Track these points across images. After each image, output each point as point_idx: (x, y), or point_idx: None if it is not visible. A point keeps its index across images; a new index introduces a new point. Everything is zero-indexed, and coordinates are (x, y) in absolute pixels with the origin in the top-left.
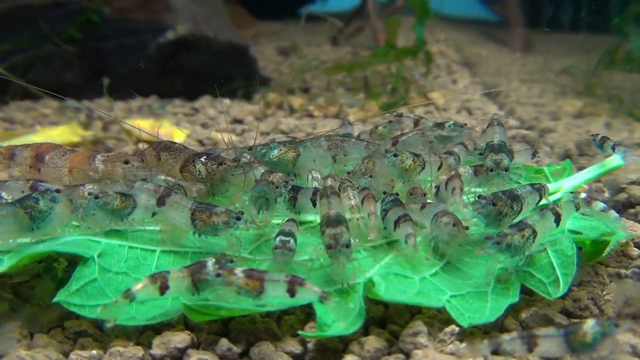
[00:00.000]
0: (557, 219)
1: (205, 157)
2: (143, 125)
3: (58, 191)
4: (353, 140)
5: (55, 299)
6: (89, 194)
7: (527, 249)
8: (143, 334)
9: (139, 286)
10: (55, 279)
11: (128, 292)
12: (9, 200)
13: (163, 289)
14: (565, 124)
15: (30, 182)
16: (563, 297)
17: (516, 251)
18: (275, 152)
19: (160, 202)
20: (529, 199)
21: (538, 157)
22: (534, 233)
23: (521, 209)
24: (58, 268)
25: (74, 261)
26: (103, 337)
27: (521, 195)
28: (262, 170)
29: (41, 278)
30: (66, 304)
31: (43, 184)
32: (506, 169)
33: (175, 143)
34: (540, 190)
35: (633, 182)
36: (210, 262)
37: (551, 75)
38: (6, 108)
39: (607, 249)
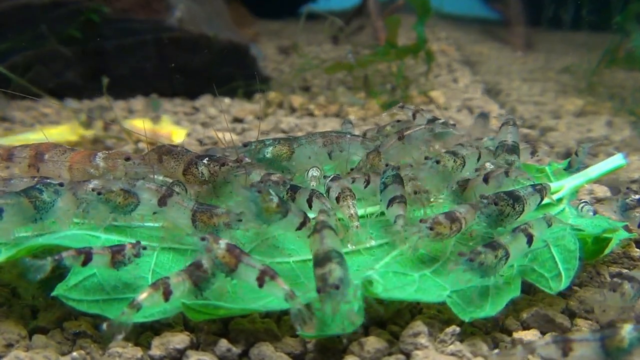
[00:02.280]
0: (529, 240)
1: (207, 158)
2: (142, 124)
3: (61, 185)
4: (349, 136)
5: (53, 293)
6: (92, 189)
7: (498, 270)
8: (142, 335)
9: (143, 295)
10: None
11: (133, 302)
12: None
13: (167, 294)
14: (567, 122)
15: (36, 178)
16: (567, 297)
17: (487, 271)
18: (270, 149)
19: (162, 202)
20: (530, 200)
21: (537, 156)
22: (507, 254)
23: (523, 210)
24: None
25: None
26: (102, 338)
27: (523, 196)
28: (262, 173)
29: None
30: (64, 298)
31: (48, 180)
32: None
33: (176, 146)
34: (541, 192)
35: (635, 181)
36: (204, 259)
37: (552, 73)
38: (6, 107)
39: (609, 247)
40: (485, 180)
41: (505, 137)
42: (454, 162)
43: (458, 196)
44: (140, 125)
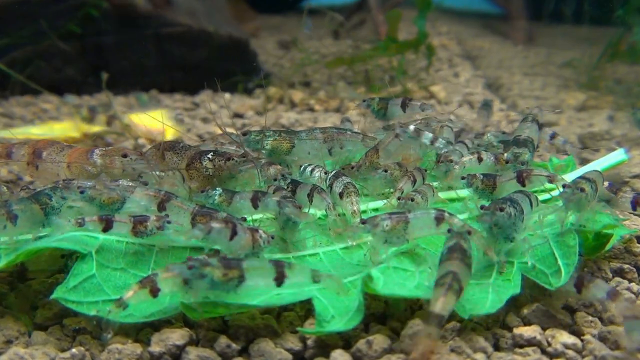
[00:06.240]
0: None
1: (212, 153)
2: (140, 120)
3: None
4: (349, 132)
5: (52, 296)
6: (77, 187)
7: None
8: (142, 331)
9: (129, 294)
10: None
11: (119, 300)
12: None
13: (154, 291)
14: (568, 117)
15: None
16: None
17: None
18: (270, 141)
19: (161, 207)
20: (522, 201)
21: (537, 151)
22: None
23: (522, 209)
24: None
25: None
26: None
27: (514, 197)
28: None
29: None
30: (64, 300)
31: (72, 181)
32: (523, 164)
33: (179, 142)
34: (529, 196)
35: (636, 176)
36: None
37: (554, 68)
38: (6, 103)
39: (610, 243)
40: (521, 180)
41: (520, 132)
42: (481, 182)
43: (485, 194)
44: (137, 119)
